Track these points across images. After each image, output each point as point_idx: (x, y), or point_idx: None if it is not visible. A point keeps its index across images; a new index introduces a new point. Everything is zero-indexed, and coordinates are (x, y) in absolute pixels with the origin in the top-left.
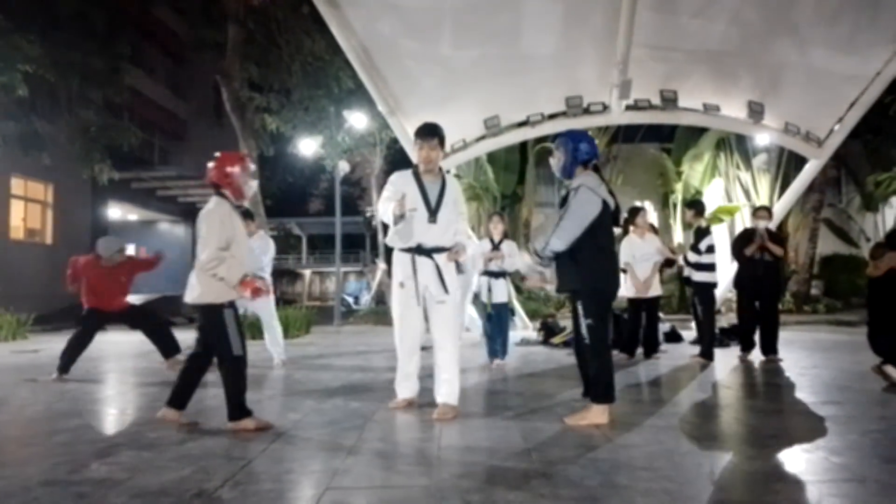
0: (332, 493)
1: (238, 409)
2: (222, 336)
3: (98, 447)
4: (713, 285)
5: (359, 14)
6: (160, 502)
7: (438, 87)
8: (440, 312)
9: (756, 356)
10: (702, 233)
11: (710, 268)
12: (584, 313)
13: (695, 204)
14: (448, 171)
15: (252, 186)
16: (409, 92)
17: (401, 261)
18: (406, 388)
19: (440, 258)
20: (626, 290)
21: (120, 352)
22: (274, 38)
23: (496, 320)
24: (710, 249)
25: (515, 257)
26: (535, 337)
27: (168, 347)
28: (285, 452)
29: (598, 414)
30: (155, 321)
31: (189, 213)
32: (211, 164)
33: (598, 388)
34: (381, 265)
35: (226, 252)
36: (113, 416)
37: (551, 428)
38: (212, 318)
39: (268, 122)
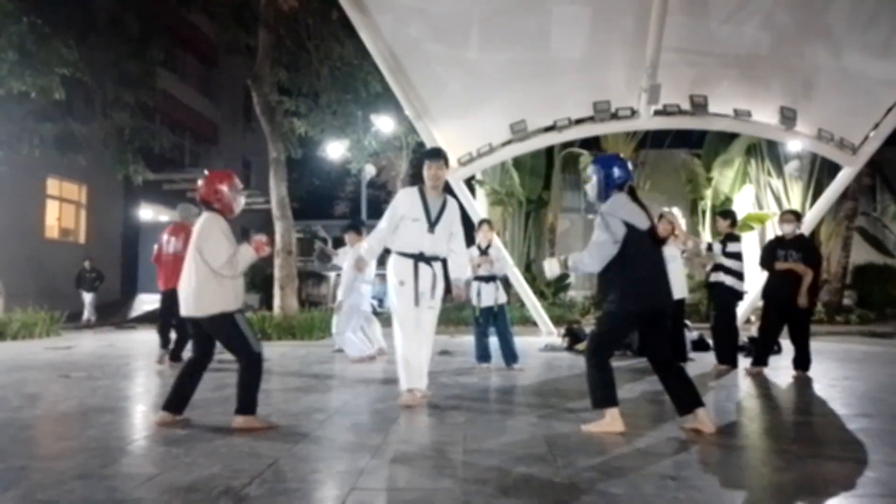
0: (358, 493)
1: (252, 404)
2: (240, 338)
3: (129, 442)
4: (736, 293)
5: (387, 19)
6: (189, 498)
7: (465, 91)
8: (428, 316)
9: (776, 368)
10: (732, 237)
11: (736, 274)
12: (597, 321)
13: (730, 214)
14: (474, 179)
15: (240, 202)
16: (436, 96)
17: (402, 263)
18: (417, 380)
19: (437, 266)
20: None
21: (150, 350)
22: (303, 43)
23: (488, 324)
24: (737, 255)
25: (503, 262)
26: (560, 343)
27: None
28: (311, 452)
29: (610, 420)
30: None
31: None
32: (201, 182)
33: (595, 397)
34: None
35: (234, 256)
36: (143, 412)
37: (576, 434)
38: (226, 325)
39: (296, 125)
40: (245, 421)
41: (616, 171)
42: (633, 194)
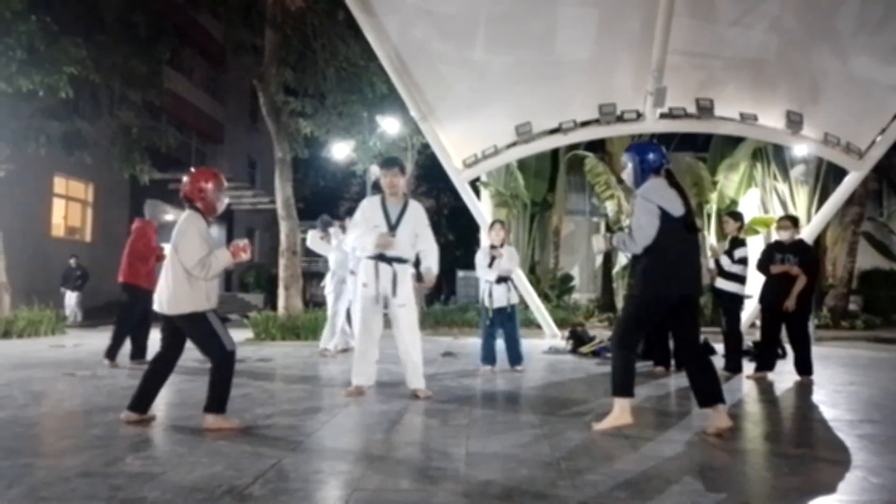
0: (360, 494)
1: (223, 403)
2: (213, 337)
3: (133, 441)
4: (740, 298)
5: (393, 20)
6: (192, 497)
7: (471, 92)
8: (401, 315)
9: (781, 373)
10: (738, 242)
11: (740, 280)
12: (623, 305)
13: (739, 216)
14: (479, 180)
15: (224, 202)
16: (442, 97)
17: (365, 266)
18: (363, 377)
19: (399, 267)
20: None
21: (153, 348)
22: (310, 44)
23: (497, 325)
24: (744, 261)
25: (514, 262)
26: (564, 346)
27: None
28: (314, 452)
29: (619, 412)
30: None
31: (223, 215)
32: (185, 179)
33: (614, 382)
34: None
35: (207, 257)
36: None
37: (580, 437)
38: (199, 324)
39: (302, 125)
40: (214, 420)
41: (651, 156)
42: (670, 178)
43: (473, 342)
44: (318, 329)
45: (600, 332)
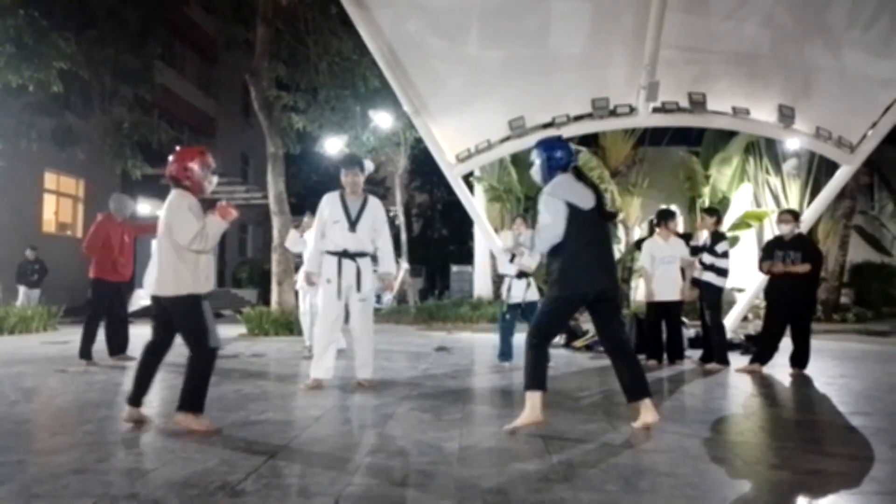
0: (353, 488)
1: (200, 402)
2: (201, 326)
3: (125, 437)
4: (722, 290)
5: (386, 15)
6: (185, 493)
7: (464, 87)
8: (360, 308)
9: (773, 366)
10: (718, 236)
11: (723, 273)
12: (542, 303)
13: (715, 212)
14: (472, 175)
15: (212, 181)
16: (435, 92)
17: (328, 261)
18: (322, 370)
19: (362, 262)
20: (643, 294)
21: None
22: (302, 38)
23: (515, 321)
24: (726, 255)
25: (534, 259)
26: (557, 340)
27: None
28: (307, 448)
29: (530, 411)
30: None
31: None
32: (171, 158)
33: (526, 376)
34: (404, 264)
35: (203, 230)
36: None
37: (572, 431)
38: (191, 309)
39: (294, 120)
40: (185, 419)
41: (558, 153)
42: (578, 174)
43: (467, 337)
44: (311, 325)
45: (593, 327)
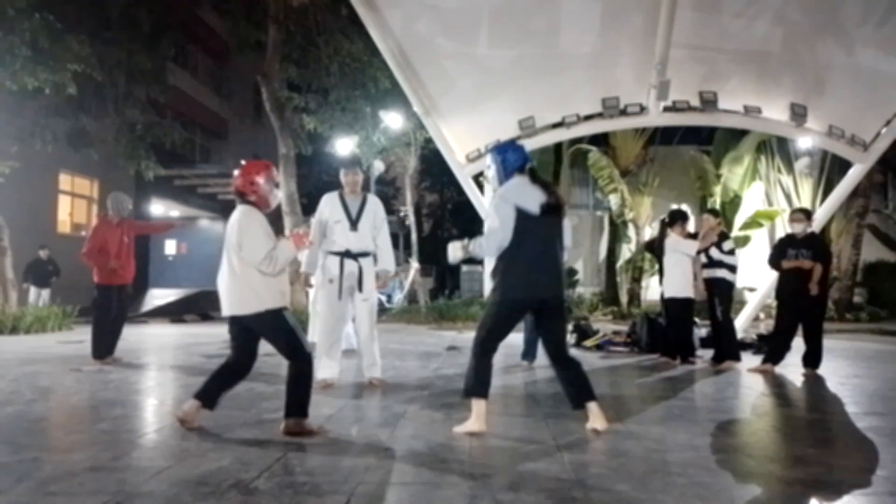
0: (365, 487)
1: (303, 406)
2: (291, 336)
3: (140, 435)
4: (732, 285)
5: (396, 15)
6: (199, 491)
7: (474, 87)
8: (363, 308)
9: (785, 366)
10: (724, 236)
11: (731, 268)
12: (484, 310)
13: (717, 212)
14: (482, 175)
15: (277, 196)
16: (445, 92)
17: (331, 261)
18: (327, 370)
19: (364, 262)
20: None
21: (161, 344)
22: (313, 39)
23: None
24: (732, 252)
25: None
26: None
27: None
28: (319, 447)
29: (475, 418)
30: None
31: (228, 211)
32: (236, 173)
33: (466, 383)
34: (415, 264)
35: (273, 251)
36: (154, 405)
37: (583, 430)
38: (277, 323)
39: (305, 121)
40: (296, 424)
41: (511, 156)
42: (533, 176)
43: None
44: None
45: (604, 326)
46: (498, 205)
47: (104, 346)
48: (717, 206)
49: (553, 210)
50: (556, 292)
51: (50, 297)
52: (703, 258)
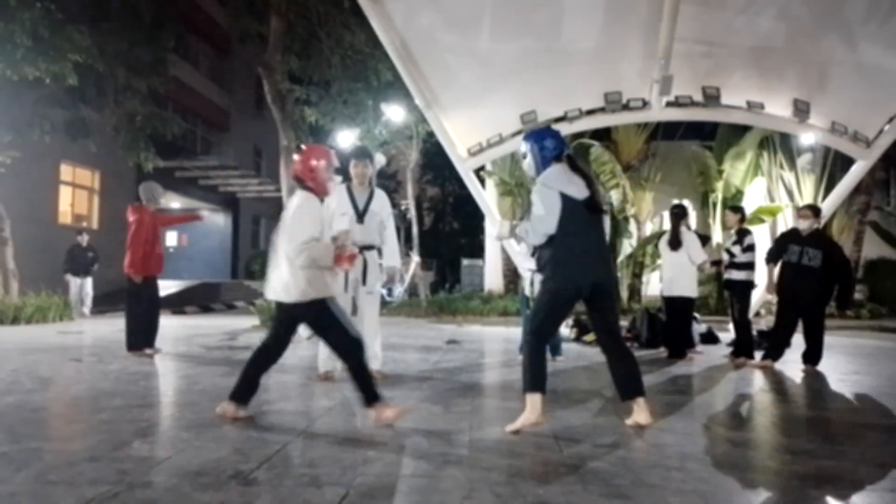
0: (363, 479)
1: (370, 391)
2: (338, 327)
3: (139, 426)
4: (750, 284)
5: (398, 8)
6: (198, 482)
7: (476, 81)
8: (368, 301)
9: (785, 362)
10: (744, 232)
11: (751, 267)
12: (535, 299)
13: (740, 209)
14: (483, 169)
15: (336, 181)
16: (447, 86)
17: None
18: (329, 363)
19: (368, 255)
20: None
21: (161, 335)
22: (315, 31)
23: None
24: (751, 248)
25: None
26: (568, 334)
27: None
28: (318, 439)
29: (530, 412)
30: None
31: (229, 203)
32: (296, 157)
33: (524, 377)
34: (415, 258)
35: (309, 242)
36: (154, 396)
37: (582, 424)
38: (322, 313)
39: (307, 113)
40: (377, 412)
41: (549, 143)
42: (572, 163)
43: (478, 330)
44: None
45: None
46: (542, 192)
47: (141, 338)
48: (719, 201)
49: (595, 210)
50: (608, 276)
51: (90, 289)
52: (726, 257)
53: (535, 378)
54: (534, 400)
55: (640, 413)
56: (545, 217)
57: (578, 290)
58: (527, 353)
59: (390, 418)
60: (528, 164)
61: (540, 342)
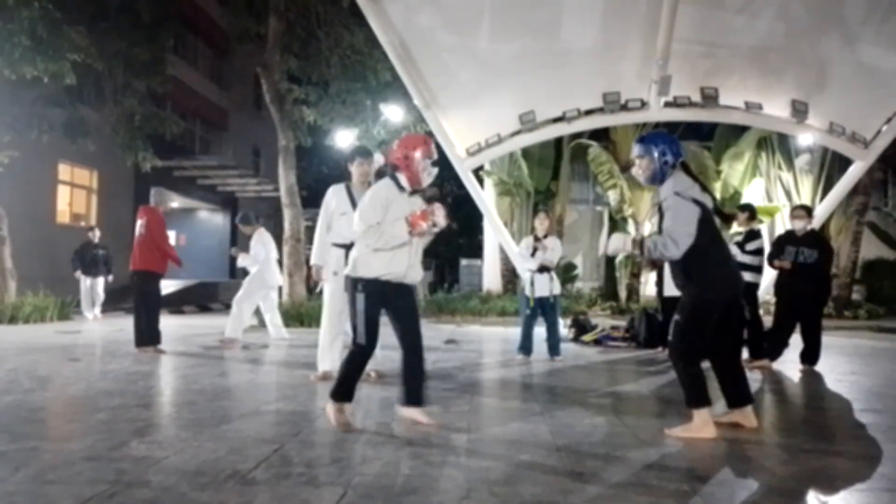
0: (361, 478)
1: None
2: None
3: (137, 426)
4: (756, 286)
5: (397, 8)
6: (196, 481)
7: (474, 81)
8: None
9: (783, 362)
10: (752, 234)
11: (755, 269)
12: (678, 311)
13: (749, 207)
14: (482, 169)
15: (432, 173)
16: (446, 86)
17: (336, 253)
18: (329, 362)
19: None
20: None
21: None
22: (313, 31)
23: (538, 314)
24: (759, 252)
25: (556, 253)
26: (566, 334)
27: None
28: (316, 438)
29: (701, 424)
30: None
31: (228, 202)
32: (395, 145)
33: (688, 395)
34: None
35: (377, 226)
36: (152, 396)
37: (580, 424)
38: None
39: (306, 113)
40: (411, 412)
41: (673, 149)
42: (688, 170)
43: (476, 330)
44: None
45: (603, 321)
46: (679, 203)
47: (155, 334)
48: (741, 203)
49: (724, 217)
50: (742, 287)
51: (104, 288)
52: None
53: (697, 393)
54: (701, 414)
55: (746, 418)
56: (687, 228)
57: (727, 300)
58: (682, 373)
59: (419, 421)
60: (643, 168)
61: (696, 360)
